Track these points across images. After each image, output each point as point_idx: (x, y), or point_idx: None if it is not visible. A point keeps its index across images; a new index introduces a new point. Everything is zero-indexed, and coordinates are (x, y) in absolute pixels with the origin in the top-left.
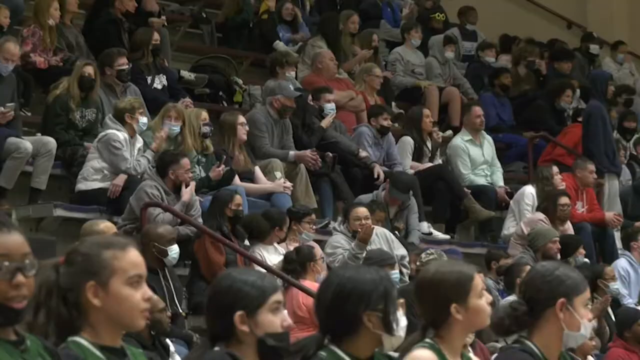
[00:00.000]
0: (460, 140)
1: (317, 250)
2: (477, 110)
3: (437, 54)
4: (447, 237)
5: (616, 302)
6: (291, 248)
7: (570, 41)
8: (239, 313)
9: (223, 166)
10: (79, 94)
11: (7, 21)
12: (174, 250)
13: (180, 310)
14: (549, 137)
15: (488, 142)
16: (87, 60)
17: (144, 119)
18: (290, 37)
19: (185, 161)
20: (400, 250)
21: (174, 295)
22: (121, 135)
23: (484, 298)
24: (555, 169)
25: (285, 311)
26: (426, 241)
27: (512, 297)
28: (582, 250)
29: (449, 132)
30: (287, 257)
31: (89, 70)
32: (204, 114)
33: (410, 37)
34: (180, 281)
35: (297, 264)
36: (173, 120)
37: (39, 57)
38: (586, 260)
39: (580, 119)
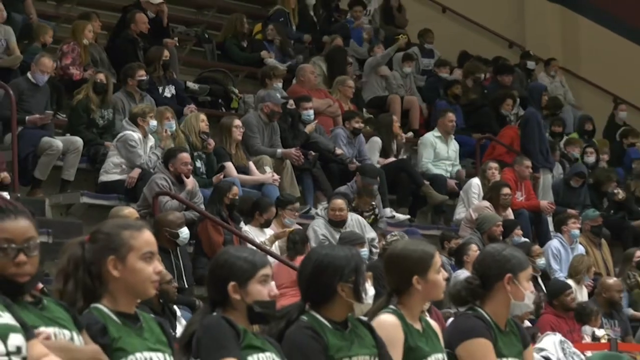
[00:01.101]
0: (432, 135)
1: None
2: (451, 116)
3: (398, 68)
4: (407, 217)
5: (546, 276)
6: (276, 230)
7: (511, 58)
8: (232, 283)
9: (222, 175)
10: (95, 97)
11: (50, 40)
12: (184, 232)
13: (187, 285)
14: (493, 138)
15: (454, 144)
16: (100, 69)
17: (154, 122)
18: (281, 58)
19: (182, 155)
20: (370, 233)
21: (182, 272)
22: (136, 135)
23: (441, 274)
24: (495, 164)
25: (273, 282)
26: (390, 224)
27: (461, 271)
28: (518, 231)
29: (410, 134)
30: (291, 239)
31: (101, 77)
32: (202, 116)
33: (376, 53)
34: (188, 258)
35: (299, 244)
36: (171, 119)
37: (75, 70)
38: (525, 240)
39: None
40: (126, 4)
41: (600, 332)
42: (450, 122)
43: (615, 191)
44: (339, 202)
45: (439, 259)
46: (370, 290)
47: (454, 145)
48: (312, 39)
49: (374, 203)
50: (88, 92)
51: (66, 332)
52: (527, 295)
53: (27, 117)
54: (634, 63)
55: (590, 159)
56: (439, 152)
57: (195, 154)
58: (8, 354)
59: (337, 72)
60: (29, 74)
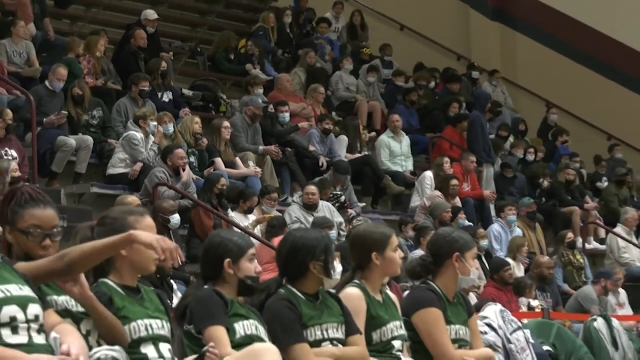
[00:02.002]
0: (385, 137)
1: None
2: (395, 117)
3: (363, 78)
4: (363, 204)
5: (489, 255)
6: (258, 216)
7: (459, 69)
8: (227, 260)
9: (212, 169)
10: (74, 108)
11: (81, 52)
12: (176, 218)
13: (180, 262)
14: (444, 137)
15: (406, 140)
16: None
17: (154, 124)
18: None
19: (178, 151)
20: (338, 218)
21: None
22: (138, 135)
23: (398, 252)
24: (446, 160)
25: (256, 261)
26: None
27: (418, 251)
28: (462, 215)
29: (374, 134)
30: (271, 223)
31: (77, 90)
32: (197, 119)
33: (344, 65)
34: (181, 240)
35: (277, 227)
36: (168, 123)
37: (90, 80)
38: (469, 223)
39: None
40: (129, 22)
41: (534, 303)
42: (395, 122)
43: (544, 182)
44: (312, 188)
45: (395, 239)
46: (338, 267)
47: (405, 142)
48: (289, 52)
49: (339, 192)
50: (70, 107)
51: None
52: (473, 271)
53: (45, 119)
54: (563, 72)
55: (530, 157)
56: (394, 150)
57: (190, 150)
58: (27, 321)
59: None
60: (47, 82)
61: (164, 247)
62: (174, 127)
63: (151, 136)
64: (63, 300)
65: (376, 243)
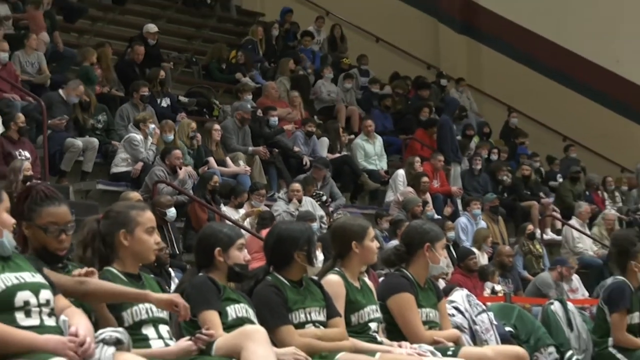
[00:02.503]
0: (359, 139)
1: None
2: (368, 122)
3: (341, 84)
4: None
5: (456, 245)
6: (247, 210)
7: (429, 77)
8: (217, 249)
9: (206, 167)
10: (81, 113)
11: (95, 60)
12: (172, 212)
13: (177, 251)
14: (415, 138)
15: (379, 141)
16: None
17: (152, 126)
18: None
19: (175, 152)
20: (320, 212)
21: (173, 242)
22: (138, 136)
23: (374, 243)
24: (417, 159)
25: (246, 250)
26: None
27: (394, 242)
28: (429, 207)
29: (352, 136)
30: (261, 216)
31: (85, 97)
32: (193, 124)
33: (325, 73)
34: (178, 231)
35: (267, 220)
36: (167, 132)
37: (99, 88)
38: (439, 217)
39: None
40: (132, 35)
41: (497, 288)
42: (368, 127)
43: (504, 178)
44: (297, 185)
45: (372, 230)
46: (319, 256)
47: (378, 142)
48: (274, 62)
49: (320, 192)
50: (77, 112)
51: None
52: (442, 260)
53: (49, 121)
54: (523, 80)
55: (494, 157)
56: (368, 151)
57: (186, 150)
58: (39, 305)
59: (301, 92)
60: (61, 92)
61: (178, 302)
62: (174, 135)
63: (149, 137)
64: None
65: (355, 233)
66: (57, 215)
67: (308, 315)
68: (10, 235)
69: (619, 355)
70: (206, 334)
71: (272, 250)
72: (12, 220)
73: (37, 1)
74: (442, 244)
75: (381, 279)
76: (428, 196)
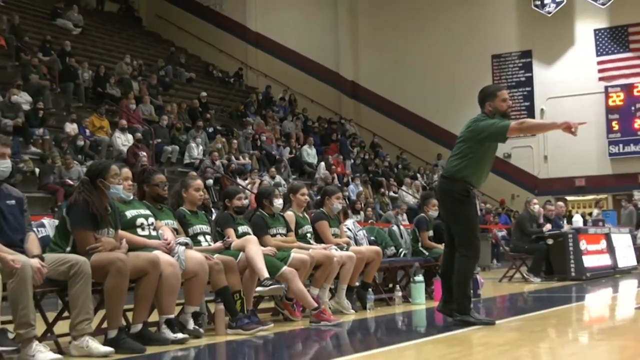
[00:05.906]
0: (306, 147)
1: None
2: (310, 139)
3: (295, 123)
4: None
5: (349, 199)
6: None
7: (335, 118)
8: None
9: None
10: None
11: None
12: (209, 182)
13: (214, 200)
14: (330, 147)
15: (313, 150)
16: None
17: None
18: None
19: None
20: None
21: (213, 195)
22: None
23: (304, 197)
24: (330, 157)
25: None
26: None
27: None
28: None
29: (305, 145)
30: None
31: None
32: None
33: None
34: (214, 191)
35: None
36: None
37: None
38: (337, 184)
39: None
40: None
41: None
42: (310, 142)
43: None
44: (273, 170)
45: (305, 190)
46: (279, 201)
47: (313, 150)
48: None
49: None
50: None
51: (170, 221)
52: (337, 204)
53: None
54: (383, 121)
55: (367, 156)
56: (310, 154)
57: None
58: (148, 225)
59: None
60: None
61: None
62: None
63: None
64: (165, 222)
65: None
66: (160, 179)
67: (277, 232)
68: (125, 191)
69: (424, 251)
70: (228, 240)
71: (257, 202)
72: (129, 182)
73: None
74: (337, 196)
75: (312, 214)
76: (335, 175)
